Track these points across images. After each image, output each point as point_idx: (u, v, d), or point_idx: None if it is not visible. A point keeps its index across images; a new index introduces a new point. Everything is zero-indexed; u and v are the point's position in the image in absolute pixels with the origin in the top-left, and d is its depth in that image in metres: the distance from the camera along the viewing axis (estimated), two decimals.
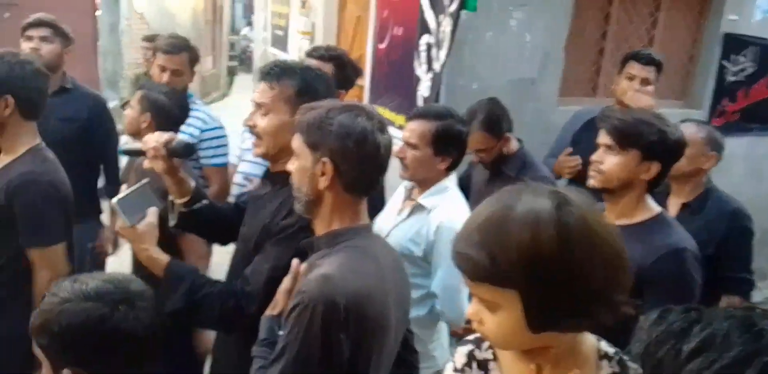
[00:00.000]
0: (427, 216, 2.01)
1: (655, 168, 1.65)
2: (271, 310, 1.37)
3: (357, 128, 1.27)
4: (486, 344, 1.02)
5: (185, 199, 1.70)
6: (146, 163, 1.68)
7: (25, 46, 2.67)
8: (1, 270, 1.88)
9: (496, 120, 2.42)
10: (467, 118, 2.37)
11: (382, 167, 1.34)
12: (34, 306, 1.83)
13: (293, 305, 1.20)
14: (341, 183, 1.29)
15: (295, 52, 5.50)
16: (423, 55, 3.14)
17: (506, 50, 3.20)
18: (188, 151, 1.66)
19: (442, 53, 2.97)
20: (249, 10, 21.92)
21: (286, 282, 1.37)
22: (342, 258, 1.25)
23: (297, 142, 1.32)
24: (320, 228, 1.34)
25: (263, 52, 7.14)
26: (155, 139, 1.62)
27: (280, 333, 1.28)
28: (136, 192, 1.56)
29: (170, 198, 1.71)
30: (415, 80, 3.18)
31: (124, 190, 1.54)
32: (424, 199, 2.03)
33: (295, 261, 1.38)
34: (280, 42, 6.29)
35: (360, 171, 1.29)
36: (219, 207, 1.84)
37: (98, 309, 1.07)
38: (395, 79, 3.59)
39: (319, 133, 1.28)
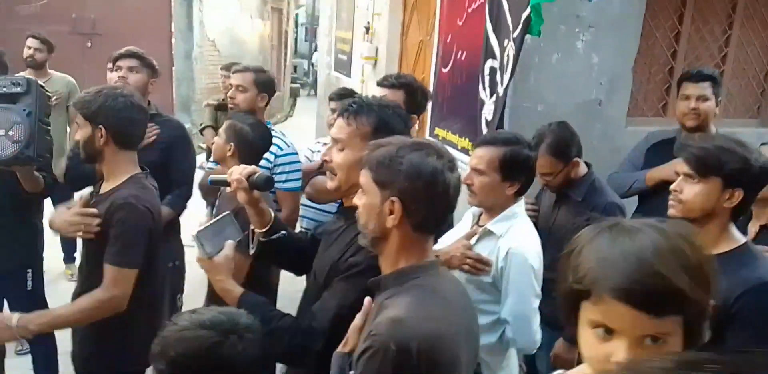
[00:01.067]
0: (497, 242, 2.01)
1: (738, 195, 1.60)
2: (342, 347, 1.38)
3: (428, 168, 1.26)
4: None
5: (265, 229, 1.76)
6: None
7: (113, 76, 2.87)
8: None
9: (564, 144, 2.41)
10: (535, 140, 2.37)
11: (450, 206, 1.33)
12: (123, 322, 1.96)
13: (364, 348, 1.21)
14: (409, 222, 1.28)
15: (359, 76, 5.62)
16: (487, 79, 3.16)
17: (573, 72, 3.18)
18: (268, 184, 1.72)
19: (506, 77, 2.98)
20: (312, 33, 22.60)
21: (358, 319, 1.38)
22: (410, 299, 1.25)
23: (365, 179, 1.33)
24: (386, 266, 1.35)
25: (327, 76, 7.31)
26: (239, 171, 1.69)
27: (351, 373, 1.30)
28: (218, 224, 1.62)
29: (251, 227, 1.78)
30: (480, 104, 3.19)
31: (205, 222, 1.61)
32: (493, 225, 2.03)
33: (367, 300, 1.39)
34: (344, 66, 6.44)
35: (429, 210, 1.28)
36: (297, 237, 1.89)
37: (211, 337, 1.14)
38: (459, 102, 3.61)
39: (388, 171, 1.28)
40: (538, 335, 2.02)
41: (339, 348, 1.38)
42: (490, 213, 2.07)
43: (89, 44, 8.48)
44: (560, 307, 0.91)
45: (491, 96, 3.15)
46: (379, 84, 2.60)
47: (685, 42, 3.58)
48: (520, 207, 2.10)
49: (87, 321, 1.99)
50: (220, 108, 4.41)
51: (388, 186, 1.28)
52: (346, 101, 1.65)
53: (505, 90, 2.96)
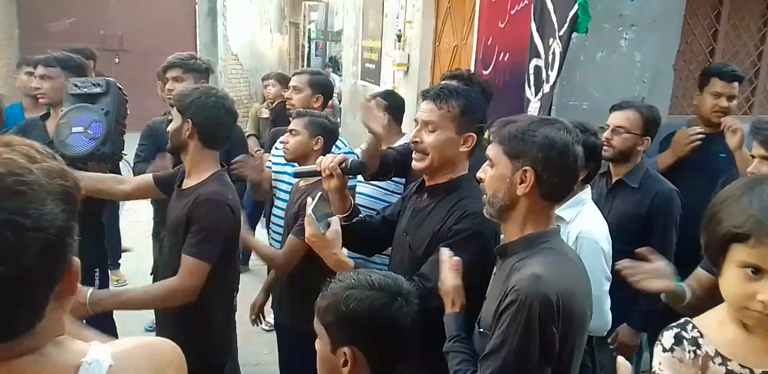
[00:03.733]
0: (566, 228, 2.06)
1: None
2: (452, 308, 1.46)
3: (561, 140, 1.35)
4: (690, 326, 1.07)
5: (345, 214, 1.84)
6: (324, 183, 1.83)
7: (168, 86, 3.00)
8: None
9: (655, 115, 2.51)
10: (623, 103, 2.53)
11: (576, 177, 1.42)
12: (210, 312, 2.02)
13: (508, 302, 1.28)
14: (539, 190, 1.36)
15: (389, 83, 5.71)
16: (532, 78, 3.23)
17: (617, 70, 3.24)
18: (362, 167, 1.80)
19: (553, 74, 3.05)
20: (323, 48, 22.92)
21: (454, 279, 1.47)
22: (545, 259, 1.33)
23: (494, 153, 1.41)
24: (512, 233, 1.42)
25: (352, 85, 7.42)
26: (329, 159, 1.77)
27: (481, 330, 1.36)
28: (318, 204, 1.70)
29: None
30: (526, 103, 3.25)
31: (311, 203, 1.68)
32: (562, 211, 2.08)
33: (456, 259, 1.48)
34: (371, 75, 6.54)
35: (559, 180, 1.37)
36: (369, 220, 1.96)
37: (381, 298, 1.21)
38: (502, 103, 3.67)
39: (522, 143, 1.36)
40: (608, 317, 2.07)
41: (448, 310, 1.45)
42: None
43: (117, 60, 8.66)
44: (707, 248, 0.98)
45: (536, 94, 3.22)
46: (444, 78, 2.70)
47: (722, 40, 3.64)
48: (587, 193, 2.15)
49: (155, 307, 2.06)
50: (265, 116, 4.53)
51: (520, 156, 1.36)
52: (434, 88, 1.74)
53: (552, 87, 3.03)
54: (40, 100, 2.74)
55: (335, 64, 12.84)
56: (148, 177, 2.37)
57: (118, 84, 2.45)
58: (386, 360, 1.23)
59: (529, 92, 3.30)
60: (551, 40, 3.07)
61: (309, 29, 20.67)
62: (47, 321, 0.76)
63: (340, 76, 9.46)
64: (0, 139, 0.76)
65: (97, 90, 2.36)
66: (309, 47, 21.84)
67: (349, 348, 1.20)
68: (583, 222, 2.05)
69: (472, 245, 1.57)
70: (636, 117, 2.48)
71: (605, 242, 2.04)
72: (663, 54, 3.33)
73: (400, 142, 3.21)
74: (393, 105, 3.24)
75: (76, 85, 2.40)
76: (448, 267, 1.51)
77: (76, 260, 0.78)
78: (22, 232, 0.68)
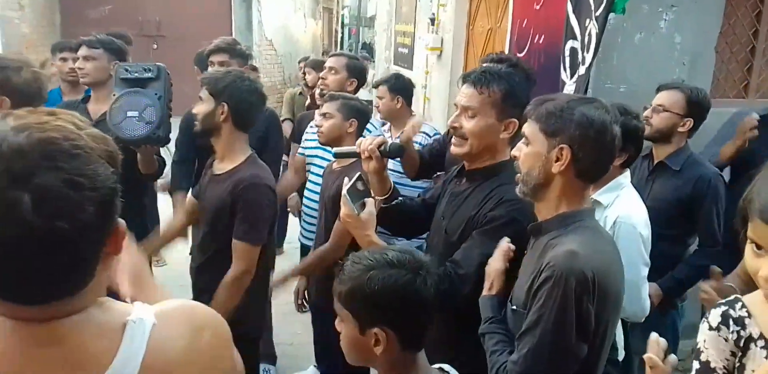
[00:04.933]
0: (603, 213, 2.05)
1: None
2: (488, 291, 1.47)
3: (598, 119, 1.33)
4: (739, 304, 1.07)
5: (385, 196, 1.86)
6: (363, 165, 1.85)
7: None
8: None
9: (702, 97, 2.48)
10: (669, 83, 2.51)
11: (613, 157, 1.41)
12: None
13: (544, 278, 1.28)
14: (575, 169, 1.35)
15: (422, 67, 5.68)
16: (567, 60, 3.18)
17: (655, 52, 3.17)
18: (401, 151, 1.81)
19: (589, 56, 3.00)
20: (355, 34, 22.84)
21: (499, 263, 1.46)
22: (580, 237, 1.33)
23: (531, 130, 1.40)
24: (546, 212, 1.41)
25: (385, 70, 7.39)
26: (369, 141, 1.79)
27: (513, 307, 1.37)
28: (355, 185, 1.71)
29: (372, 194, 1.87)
30: (561, 85, 3.21)
31: (347, 183, 1.70)
32: (600, 196, 2.07)
33: (506, 245, 1.47)
34: (405, 59, 6.51)
35: (595, 158, 1.35)
36: (409, 203, 1.97)
37: (404, 275, 1.20)
38: (537, 85, 3.63)
39: (559, 121, 1.34)
40: (647, 303, 2.05)
41: (485, 292, 1.46)
42: (595, 184, 2.10)
43: (155, 46, 8.81)
44: (739, 221, 0.99)
45: (572, 77, 3.17)
46: (483, 61, 2.68)
47: (766, 21, 3.52)
48: (626, 177, 2.13)
49: (237, 298, 2.11)
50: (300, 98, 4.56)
51: (557, 134, 1.35)
52: (476, 72, 1.71)
53: (588, 69, 2.98)
54: (82, 80, 2.81)
55: (369, 52, 12.75)
56: (191, 201, 2.43)
57: (167, 69, 2.51)
58: (415, 333, 1.24)
59: (565, 75, 3.25)
60: (588, 21, 3.03)
61: (342, 15, 20.63)
62: (94, 281, 0.80)
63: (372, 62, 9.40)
64: (43, 110, 0.81)
65: (148, 75, 2.43)
66: (342, 33, 21.82)
67: (379, 329, 1.19)
68: (621, 206, 2.03)
69: (507, 232, 1.56)
70: (679, 97, 2.44)
71: (644, 227, 2.01)
72: (704, 36, 3.24)
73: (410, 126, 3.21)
74: (402, 88, 3.25)
75: (126, 70, 2.47)
76: (499, 250, 1.51)
77: (122, 221, 0.82)
78: (81, 191, 0.73)
